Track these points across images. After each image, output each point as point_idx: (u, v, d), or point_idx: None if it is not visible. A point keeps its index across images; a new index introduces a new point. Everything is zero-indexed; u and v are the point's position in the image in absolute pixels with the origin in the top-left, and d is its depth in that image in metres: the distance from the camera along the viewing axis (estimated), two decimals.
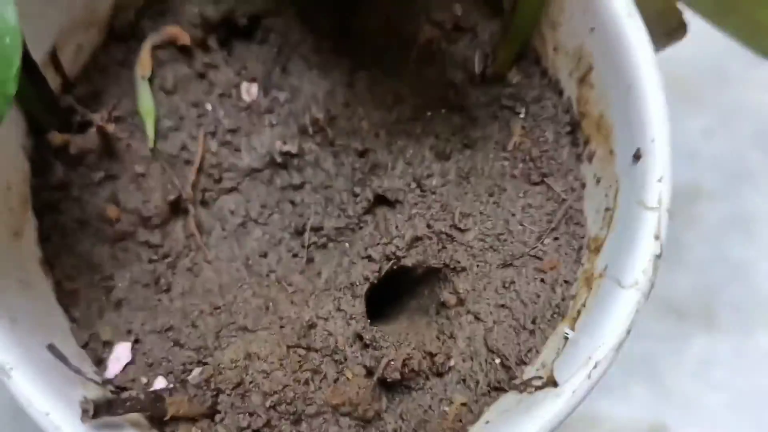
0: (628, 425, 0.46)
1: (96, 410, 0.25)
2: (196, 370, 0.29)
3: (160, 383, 0.29)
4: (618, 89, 0.29)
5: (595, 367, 0.26)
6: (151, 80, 0.33)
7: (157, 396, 0.27)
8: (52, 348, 0.27)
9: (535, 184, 0.33)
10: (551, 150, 0.33)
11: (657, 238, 0.27)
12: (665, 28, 0.33)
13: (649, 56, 0.28)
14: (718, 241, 0.50)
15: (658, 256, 0.27)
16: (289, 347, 0.29)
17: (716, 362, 0.47)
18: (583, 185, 0.32)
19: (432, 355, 0.30)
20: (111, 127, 0.30)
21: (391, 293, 0.34)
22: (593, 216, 0.31)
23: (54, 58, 0.30)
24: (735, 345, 0.47)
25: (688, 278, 0.49)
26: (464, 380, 0.30)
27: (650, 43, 0.28)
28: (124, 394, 0.27)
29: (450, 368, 0.30)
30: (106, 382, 0.29)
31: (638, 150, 0.28)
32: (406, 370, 0.29)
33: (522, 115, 0.33)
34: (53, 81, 0.31)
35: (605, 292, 0.28)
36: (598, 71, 0.30)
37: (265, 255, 0.32)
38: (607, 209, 0.30)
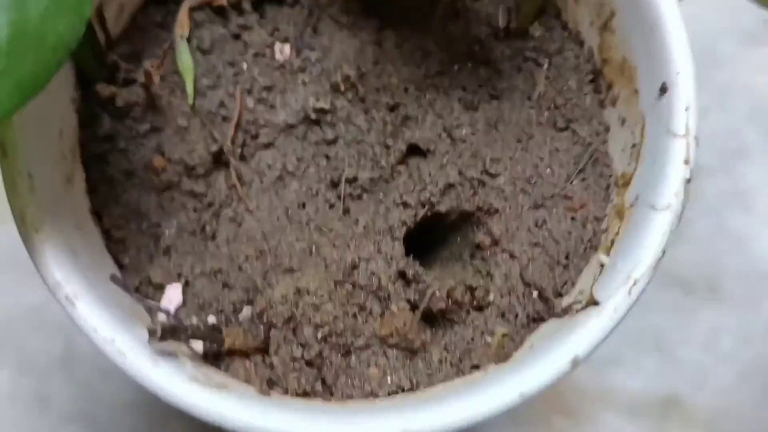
0: (642, 397, 0.47)
1: (162, 333, 0.26)
2: (246, 309, 0.30)
3: (211, 323, 0.30)
4: (641, 31, 0.31)
5: (634, 284, 0.27)
6: (188, 40, 0.34)
7: (215, 327, 0.28)
8: (114, 278, 0.27)
9: (561, 129, 0.34)
10: (575, 98, 0.34)
11: (687, 162, 0.28)
12: None
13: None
14: (719, 215, 0.51)
15: (689, 180, 0.28)
16: (336, 282, 0.30)
17: (724, 333, 0.48)
18: (607, 129, 0.33)
19: (472, 289, 0.31)
20: (156, 79, 0.31)
21: (423, 245, 0.35)
22: (619, 155, 0.33)
23: (101, 14, 0.31)
24: (742, 316, 0.48)
25: (691, 252, 0.50)
26: (503, 314, 0.31)
27: None
28: (187, 322, 0.28)
29: (489, 303, 0.31)
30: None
31: (664, 84, 0.29)
32: (450, 301, 0.30)
33: (545, 67, 0.35)
34: (99, 35, 0.32)
35: (638, 218, 0.29)
36: (620, 16, 0.32)
37: (303, 206, 0.33)
38: (633, 146, 0.31)
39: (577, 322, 0.28)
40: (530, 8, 0.34)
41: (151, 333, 0.26)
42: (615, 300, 0.27)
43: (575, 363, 0.27)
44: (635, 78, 0.31)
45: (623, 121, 0.32)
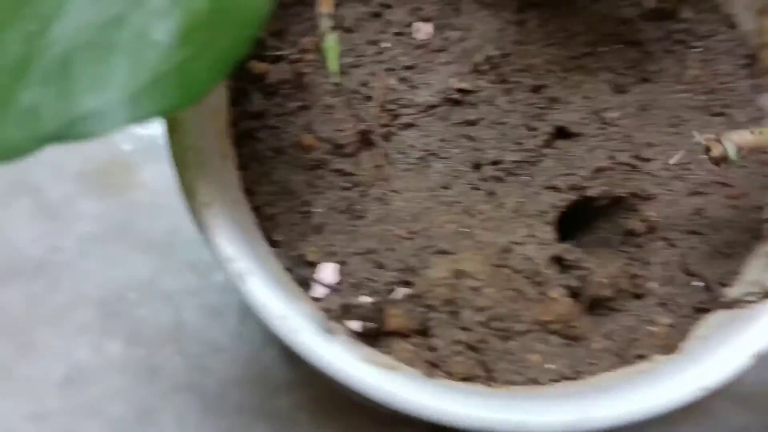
0: (755, 383, 0.45)
1: (340, 310, 0.25)
2: (400, 290, 0.30)
3: (366, 302, 0.29)
4: None
5: None
6: (331, 17, 0.33)
7: (378, 307, 0.27)
8: (289, 270, 0.27)
9: (716, 114, 0.33)
10: (729, 82, 0.33)
11: None
12: None
13: None
14: None
15: None
16: (494, 266, 0.29)
17: None
18: (764, 114, 0.32)
19: (633, 277, 0.30)
20: (308, 56, 0.31)
21: (566, 230, 0.34)
22: None
23: None
24: None
25: None
26: (665, 303, 0.30)
27: None
28: (354, 302, 0.27)
29: (649, 291, 0.30)
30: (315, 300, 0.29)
31: None
32: (614, 289, 0.29)
33: (697, 50, 0.34)
34: None
35: None
36: None
37: (448, 187, 0.33)
38: None
39: (755, 314, 0.27)
40: None
41: (327, 311, 0.25)
42: None
43: (757, 357, 0.26)
44: None
45: None
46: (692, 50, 0.34)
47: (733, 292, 0.30)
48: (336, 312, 0.26)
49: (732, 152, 0.27)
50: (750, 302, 0.28)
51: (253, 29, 0.22)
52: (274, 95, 0.31)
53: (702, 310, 0.30)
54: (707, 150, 0.27)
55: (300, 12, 0.33)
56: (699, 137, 0.28)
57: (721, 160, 0.26)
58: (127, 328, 0.43)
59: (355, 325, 0.27)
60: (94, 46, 0.21)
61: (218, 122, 0.29)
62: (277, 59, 0.32)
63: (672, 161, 0.32)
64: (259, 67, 0.31)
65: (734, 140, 0.27)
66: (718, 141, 0.27)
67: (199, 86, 0.21)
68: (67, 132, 0.20)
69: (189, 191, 0.26)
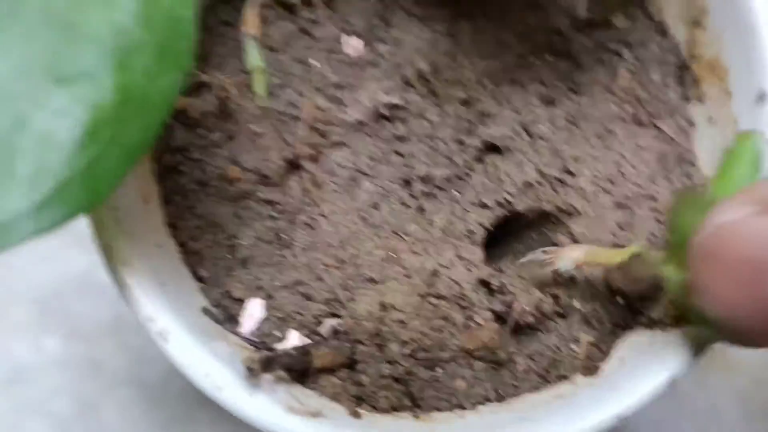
0: None
1: (262, 368, 0.26)
2: (328, 322, 0.30)
3: (293, 336, 0.30)
4: (736, 32, 0.29)
5: None
6: (257, 39, 0.33)
7: (305, 350, 0.28)
8: (206, 311, 0.27)
9: (644, 125, 0.33)
10: (658, 92, 0.33)
11: None
12: None
13: None
14: None
15: None
16: (421, 296, 0.30)
17: None
18: (692, 125, 0.32)
19: (556, 297, 0.31)
20: (232, 89, 0.30)
21: (494, 240, 0.35)
22: (707, 157, 0.31)
23: None
24: None
25: None
26: (588, 320, 0.31)
27: None
28: (278, 352, 0.27)
29: (572, 309, 0.31)
30: (242, 338, 0.30)
31: (762, 92, 0.28)
32: (539, 314, 0.30)
33: (627, 59, 0.33)
34: None
35: None
36: (713, 16, 0.30)
37: (376, 206, 0.33)
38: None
39: (672, 340, 0.27)
40: None
41: (251, 370, 0.25)
42: None
43: (673, 382, 0.27)
44: (727, 79, 0.30)
45: (711, 120, 0.31)
46: (623, 60, 0.33)
47: (657, 311, 0.30)
48: (270, 366, 0.27)
49: (567, 266, 0.30)
50: (666, 324, 0.28)
51: (163, 114, 0.22)
52: (196, 127, 0.31)
53: (624, 327, 0.30)
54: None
55: (224, 33, 0.33)
56: (538, 255, 0.31)
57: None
58: (66, 323, 0.43)
59: (281, 373, 0.28)
60: None
61: (141, 163, 0.29)
62: (200, 87, 0.31)
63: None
64: (180, 101, 0.30)
65: (571, 256, 0.29)
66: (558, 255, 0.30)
67: (106, 186, 0.21)
68: None
69: (106, 251, 0.26)
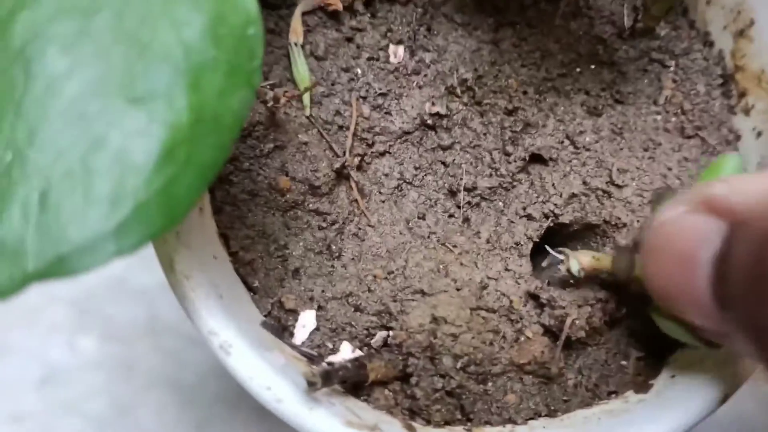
0: None
1: (323, 382, 0.26)
2: (379, 334, 0.30)
3: (345, 348, 0.30)
4: None
5: None
6: (302, 47, 0.33)
7: (360, 363, 0.28)
8: (266, 324, 0.27)
9: (689, 137, 0.33)
10: (703, 103, 0.33)
11: None
12: None
13: None
14: None
15: None
16: (471, 310, 0.30)
17: None
18: (738, 137, 0.32)
19: (605, 312, 0.31)
20: (282, 101, 0.30)
21: (537, 249, 0.35)
22: (752, 170, 0.32)
23: None
24: None
25: None
26: (634, 335, 0.31)
27: None
28: (336, 365, 0.27)
29: (619, 321, 0.31)
30: (294, 348, 0.30)
31: None
32: (590, 328, 0.30)
33: (672, 69, 0.34)
34: None
35: None
36: (759, 26, 0.30)
37: (423, 217, 0.33)
38: None
39: (725, 359, 0.28)
40: (661, 6, 0.33)
41: (311, 384, 0.25)
42: None
43: (724, 401, 0.27)
44: None
45: (759, 134, 0.31)
46: (667, 69, 0.34)
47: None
48: (329, 380, 0.27)
49: (575, 269, 0.30)
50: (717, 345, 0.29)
51: (234, 133, 0.22)
52: (247, 137, 0.31)
53: (674, 343, 0.31)
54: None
55: (269, 41, 0.33)
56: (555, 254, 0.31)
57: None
58: (101, 325, 0.43)
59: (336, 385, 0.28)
60: (73, 173, 0.20)
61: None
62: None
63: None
64: None
65: (579, 260, 0.30)
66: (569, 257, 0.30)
67: (182, 207, 0.21)
68: (56, 270, 0.20)
69: (166, 264, 0.26)
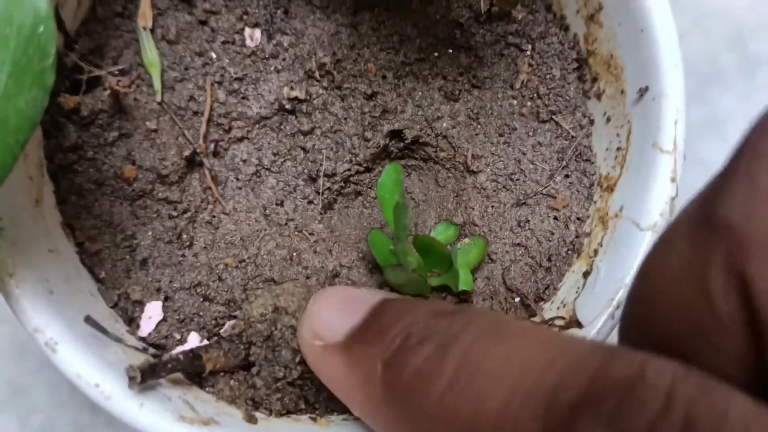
0: None
1: (142, 376, 0.25)
2: (228, 324, 0.30)
3: (193, 338, 0.30)
4: (629, 31, 0.29)
5: (617, 308, 0.27)
6: (152, 30, 0.32)
7: (195, 354, 0.28)
8: (89, 320, 0.27)
9: (544, 121, 0.33)
10: (558, 87, 0.33)
11: (673, 180, 0.28)
12: None
13: (662, 2, 0.28)
14: (694, 144, 0.51)
15: (674, 198, 0.28)
16: None
17: None
18: (592, 122, 0.33)
19: (452, 293, 0.31)
20: (122, 85, 0.29)
21: None
22: (603, 154, 0.32)
23: (57, 17, 0.29)
24: None
25: None
26: None
27: None
28: (165, 357, 0.27)
29: (472, 308, 0.32)
30: (140, 340, 0.29)
31: (646, 87, 0.29)
32: None
33: (528, 53, 0.34)
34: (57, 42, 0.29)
35: (623, 233, 0.29)
36: (608, 11, 0.30)
37: (281, 203, 0.33)
38: (618, 149, 0.31)
39: None
40: None
41: (132, 379, 0.25)
42: (597, 324, 0.28)
43: None
44: (622, 78, 0.30)
45: (608, 119, 0.32)
46: (524, 54, 0.34)
47: (549, 308, 0.31)
48: (155, 373, 0.27)
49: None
50: (559, 327, 0.29)
51: (24, 134, 0.21)
52: (90, 125, 0.30)
53: None
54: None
55: (118, 25, 0.32)
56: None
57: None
58: None
59: (177, 375, 0.28)
60: None
61: (30, 165, 0.29)
62: (94, 83, 0.31)
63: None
64: (70, 100, 0.29)
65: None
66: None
67: None
68: None
69: None
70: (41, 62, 0.21)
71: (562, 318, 0.29)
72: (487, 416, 0.18)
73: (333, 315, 0.24)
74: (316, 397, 0.29)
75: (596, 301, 0.28)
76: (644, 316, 0.19)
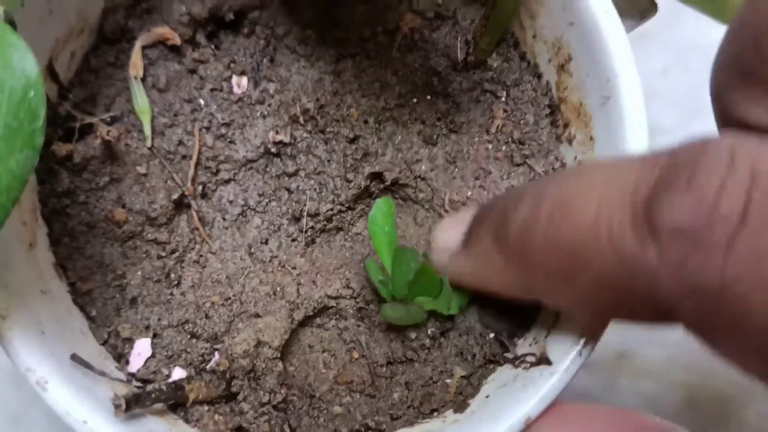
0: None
1: (127, 405, 0.27)
2: (214, 360, 0.31)
3: (178, 373, 0.31)
4: (597, 82, 0.31)
5: (585, 346, 0.29)
6: (143, 79, 0.33)
7: (177, 385, 0.29)
8: (75, 357, 0.28)
9: (518, 165, 0.35)
10: (532, 132, 0.35)
11: None
12: (638, 9, 0.35)
13: (626, 56, 0.29)
14: None
15: None
16: (298, 328, 0.32)
17: None
18: (563, 165, 0.34)
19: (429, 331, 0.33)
20: (113, 134, 0.31)
21: None
22: None
23: (51, 69, 0.31)
24: None
25: None
26: (461, 353, 0.33)
27: (627, 40, 0.30)
28: (149, 387, 0.29)
29: (448, 342, 0.33)
30: (129, 376, 0.31)
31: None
32: (419, 344, 0.32)
33: (503, 99, 0.35)
34: (50, 90, 0.31)
35: None
36: (577, 62, 0.32)
37: (266, 242, 0.34)
38: None
39: (532, 379, 0.29)
40: (490, 39, 0.34)
41: (117, 407, 0.27)
42: (566, 361, 0.29)
43: (528, 422, 0.28)
44: (590, 125, 0.32)
45: (579, 163, 0.33)
46: (499, 100, 0.35)
47: (522, 345, 0.32)
48: (139, 402, 0.28)
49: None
50: (530, 363, 0.30)
51: (14, 192, 0.23)
52: (82, 171, 0.32)
53: (493, 362, 0.32)
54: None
55: (111, 75, 0.34)
56: None
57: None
58: None
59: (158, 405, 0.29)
60: None
61: (24, 211, 0.30)
62: (86, 131, 0.32)
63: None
64: (63, 148, 0.31)
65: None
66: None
67: None
68: None
69: None
70: (31, 124, 0.22)
71: (533, 354, 0.31)
72: (584, 229, 0.22)
73: (449, 233, 0.30)
74: (298, 422, 0.31)
75: (565, 338, 0.29)
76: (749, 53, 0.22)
